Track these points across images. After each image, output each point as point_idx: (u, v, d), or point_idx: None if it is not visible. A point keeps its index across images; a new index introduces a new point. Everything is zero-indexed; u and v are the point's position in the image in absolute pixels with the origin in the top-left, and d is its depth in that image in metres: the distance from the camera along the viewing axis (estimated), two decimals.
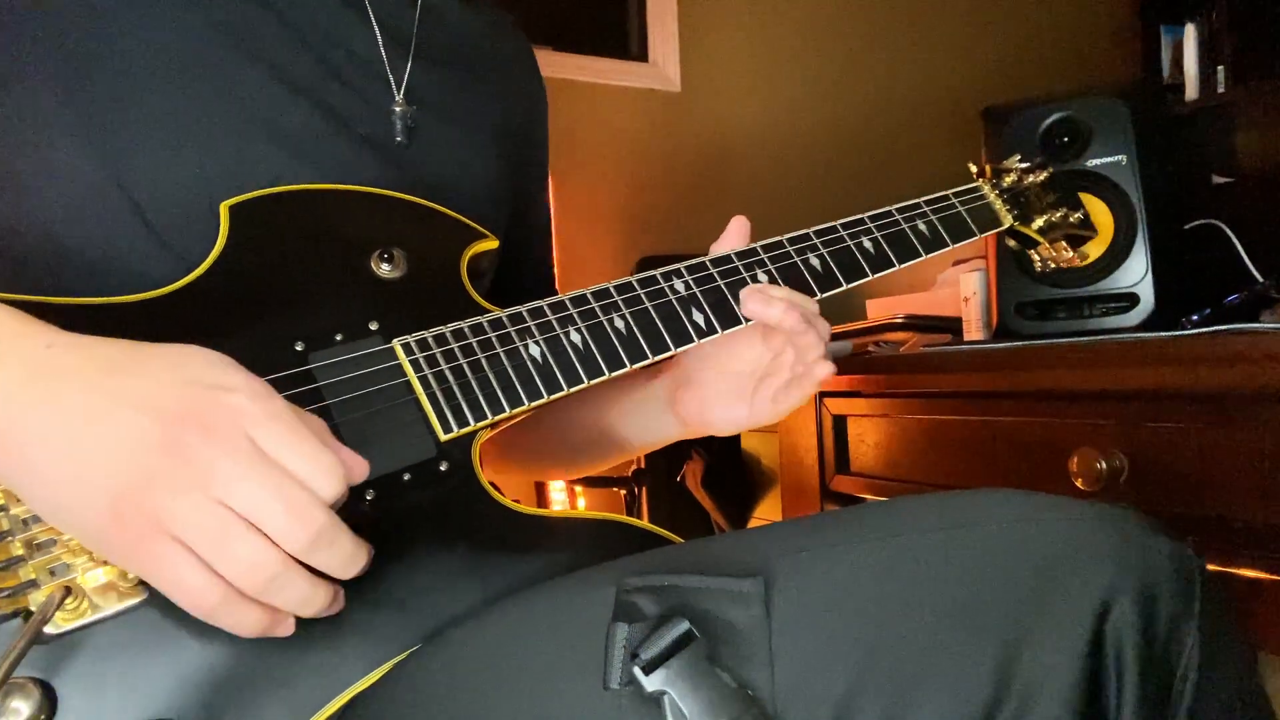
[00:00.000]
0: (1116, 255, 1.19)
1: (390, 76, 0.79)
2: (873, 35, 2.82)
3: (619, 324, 0.71)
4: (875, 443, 1.39)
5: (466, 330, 0.66)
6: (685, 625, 0.50)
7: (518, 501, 0.66)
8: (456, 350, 0.65)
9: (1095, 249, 1.19)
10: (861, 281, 0.82)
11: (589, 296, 0.71)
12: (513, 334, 0.67)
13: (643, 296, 0.72)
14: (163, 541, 0.46)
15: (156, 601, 0.52)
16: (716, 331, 0.74)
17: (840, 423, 1.45)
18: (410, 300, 0.68)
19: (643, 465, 2.02)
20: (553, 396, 0.67)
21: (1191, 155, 1.40)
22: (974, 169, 1.00)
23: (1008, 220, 0.95)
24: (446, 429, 0.63)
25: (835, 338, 1.58)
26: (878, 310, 1.70)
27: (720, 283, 0.75)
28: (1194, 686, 0.52)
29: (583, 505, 2.04)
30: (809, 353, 0.75)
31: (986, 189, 0.95)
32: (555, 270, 1.06)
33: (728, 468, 1.97)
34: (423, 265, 0.70)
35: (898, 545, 0.55)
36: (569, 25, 2.44)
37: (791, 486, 1.55)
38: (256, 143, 0.70)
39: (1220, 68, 2.41)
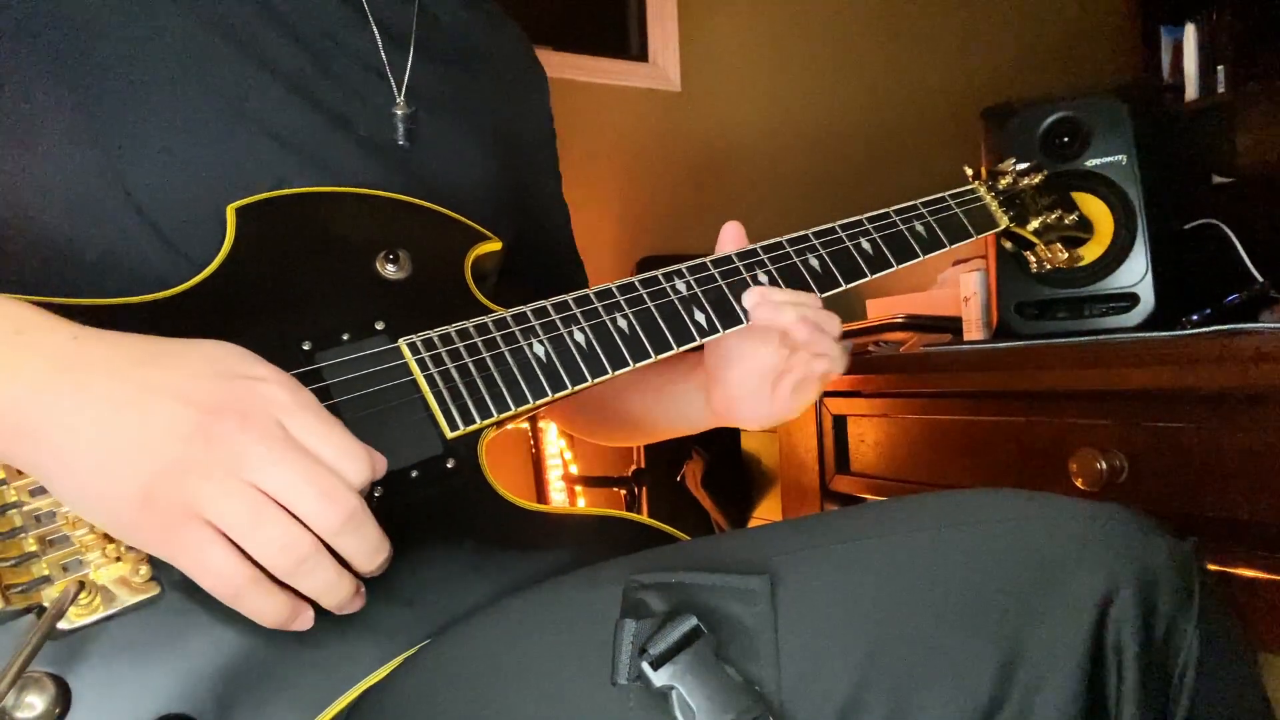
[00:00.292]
0: (1116, 255, 1.19)
1: (391, 77, 0.79)
2: (873, 35, 2.82)
3: (622, 323, 0.71)
4: (875, 443, 1.39)
5: (471, 329, 0.67)
6: (693, 621, 0.50)
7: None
8: (462, 349, 0.66)
9: (1095, 249, 1.19)
10: (860, 282, 0.83)
11: (592, 296, 0.71)
12: (517, 333, 0.68)
13: (645, 296, 0.73)
14: (193, 525, 0.47)
15: (170, 597, 0.53)
16: (718, 331, 0.74)
17: (840, 423, 1.45)
18: (415, 300, 0.68)
19: (643, 465, 2.03)
20: (557, 395, 0.67)
21: (1191, 155, 1.40)
22: (969, 171, 1.00)
23: (1003, 221, 0.96)
24: (453, 427, 0.63)
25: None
26: (878, 310, 1.70)
27: (721, 283, 0.76)
28: (1193, 683, 0.53)
29: (582, 504, 2.04)
30: (818, 348, 0.77)
31: (982, 191, 0.96)
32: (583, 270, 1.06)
33: (728, 468, 1.97)
34: (427, 266, 0.71)
35: (901, 544, 0.55)
36: (569, 25, 2.44)
37: (791, 486, 1.55)
38: (259, 145, 0.70)
39: (1220, 68, 2.41)
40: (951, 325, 1.47)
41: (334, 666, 0.56)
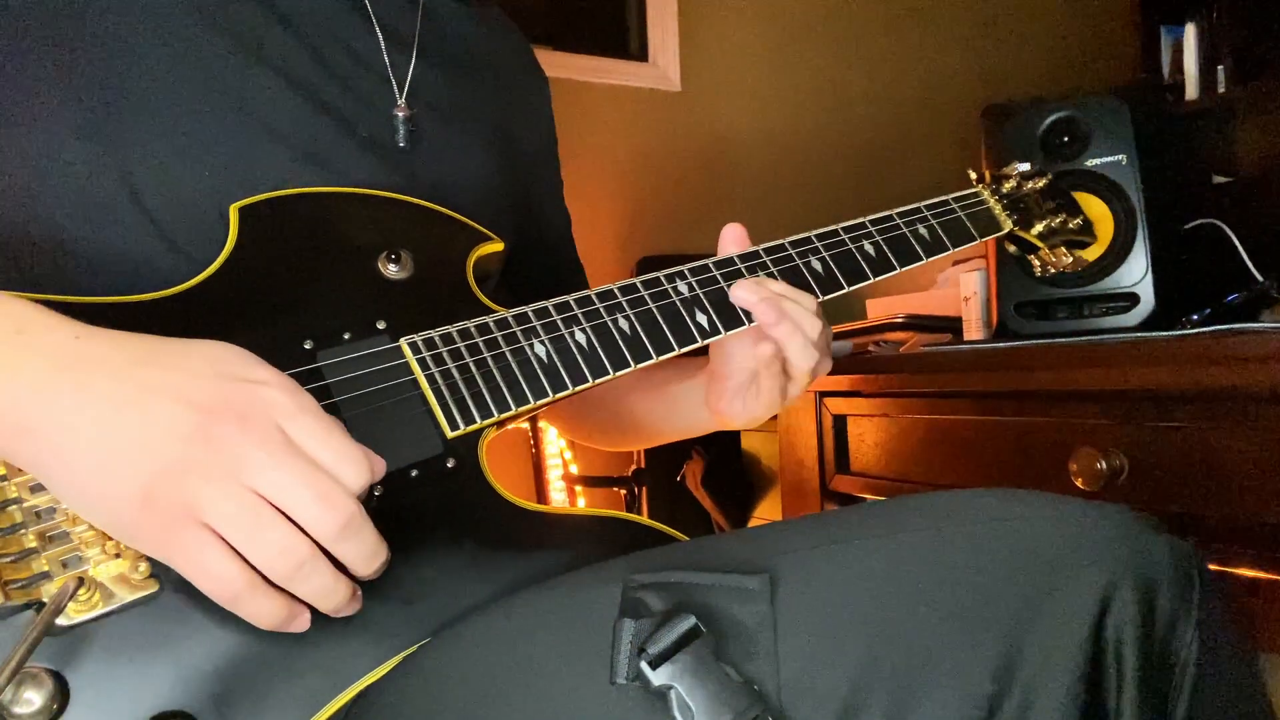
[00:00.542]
0: (1116, 255, 1.19)
1: (393, 79, 0.79)
2: (872, 35, 2.82)
3: (623, 324, 0.71)
4: (875, 443, 1.39)
5: (473, 330, 0.67)
6: (692, 621, 0.50)
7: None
8: (463, 349, 0.66)
9: (1095, 249, 1.19)
10: (863, 284, 0.82)
11: (593, 297, 0.71)
12: (518, 334, 0.68)
13: (647, 298, 0.73)
14: (192, 527, 0.47)
15: (168, 594, 0.53)
16: (720, 333, 0.74)
17: (840, 423, 1.45)
18: (417, 300, 0.69)
19: (643, 465, 2.03)
20: (558, 395, 0.67)
21: (1191, 155, 1.40)
22: (973, 175, 1.00)
23: (1007, 225, 0.96)
24: (454, 426, 0.63)
25: (835, 338, 1.58)
26: (878, 310, 1.70)
27: (723, 285, 0.76)
28: (1193, 681, 0.53)
29: (582, 504, 2.04)
30: (787, 343, 0.74)
31: (986, 194, 0.96)
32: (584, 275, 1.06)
33: (728, 468, 1.97)
34: (429, 266, 0.71)
35: (901, 543, 0.55)
36: (569, 25, 2.44)
37: (791, 486, 1.55)
38: (261, 145, 0.70)
39: (1220, 68, 2.41)
40: (951, 325, 1.47)
41: (332, 665, 0.56)
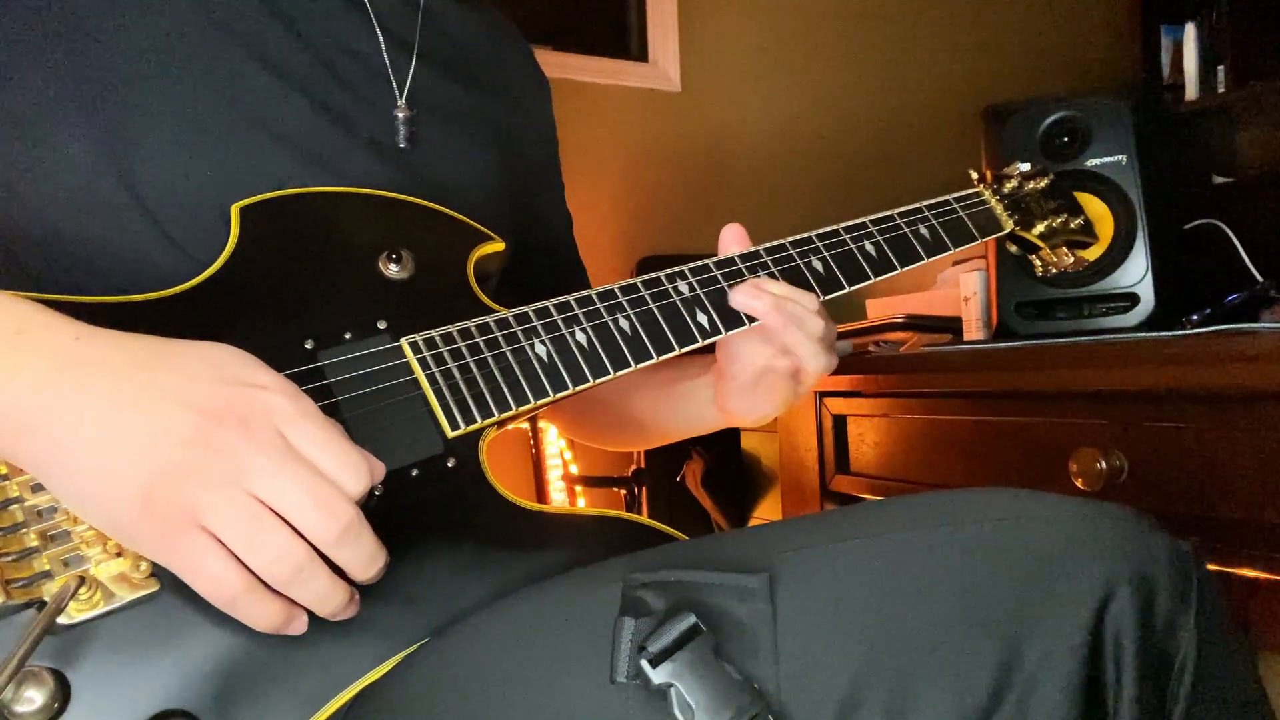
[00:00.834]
0: (1116, 255, 1.19)
1: (393, 79, 0.80)
2: (873, 34, 2.82)
3: (624, 324, 0.71)
4: (875, 443, 1.39)
5: (473, 329, 0.67)
6: (692, 619, 0.50)
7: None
8: (464, 349, 0.66)
9: (1095, 249, 1.19)
10: (864, 284, 0.82)
11: (594, 297, 0.71)
12: (519, 333, 0.68)
13: (647, 298, 0.73)
14: (191, 531, 0.47)
15: (169, 593, 0.53)
16: (720, 333, 0.74)
17: (840, 423, 1.46)
18: (418, 300, 0.69)
19: (643, 465, 2.03)
20: (558, 395, 0.67)
21: (1191, 155, 1.40)
22: (974, 175, 1.00)
23: (1009, 225, 0.96)
24: (454, 426, 0.63)
25: (836, 337, 1.58)
26: (878, 310, 1.70)
27: (724, 285, 0.76)
28: (1191, 680, 0.53)
29: (582, 505, 2.04)
30: (797, 349, 0.75)
31: (987, 194, 0.96)
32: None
33: (727, 468, 1.97)
34: (430, 266, 0.71)
35: (900, 542, 0.55)
36: (569, 25, 2.44)
37: (791, 486, 1.55)
38: (262, 145, 0.70)
39: (1220, 68, 2.41)
40: (951, 325, 1.47)
41: (333, 664, 0.56)
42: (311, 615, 0.52)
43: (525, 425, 1.93)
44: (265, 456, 0.48)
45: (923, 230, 0.87)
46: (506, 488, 0.66)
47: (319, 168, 0.72)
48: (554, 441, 1.98)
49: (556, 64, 2.32)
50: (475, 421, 0.64)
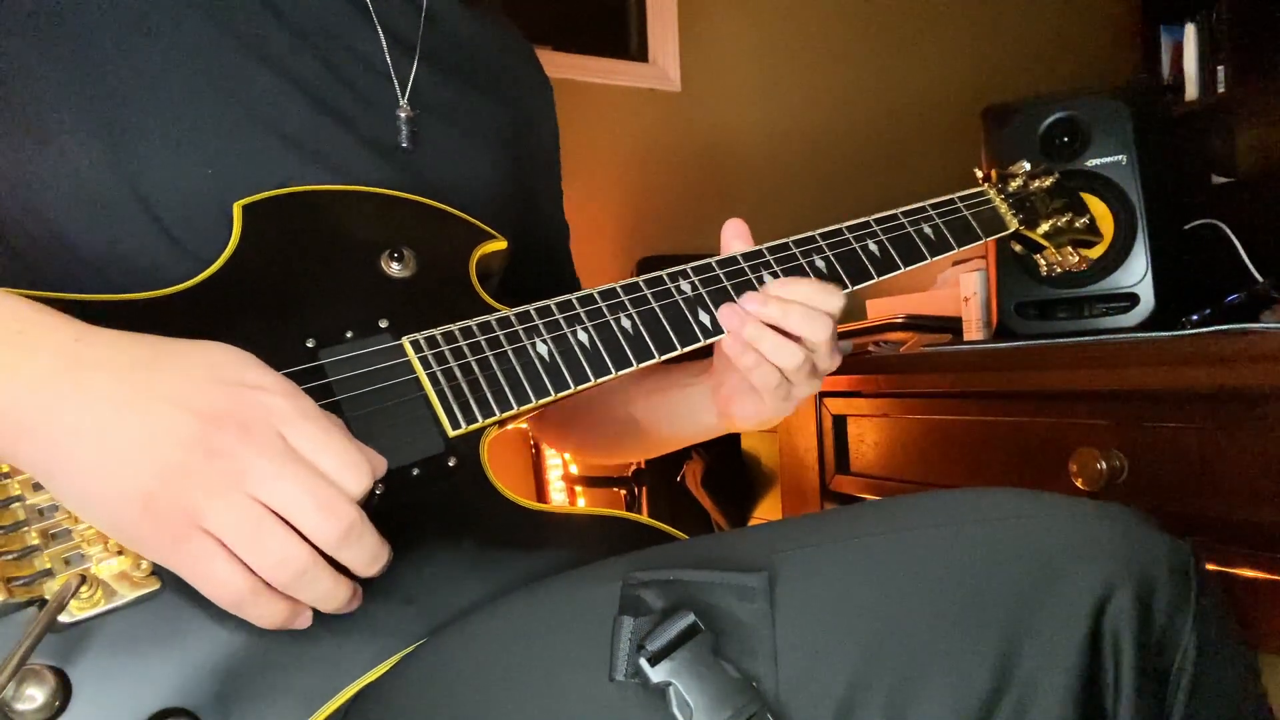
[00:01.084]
0: (1116, 255, 1.19)
1: (395, 79, 0.79)
2: (873, 34, 2.82)
3: (625, 324, 0.71)
4: (875, 443, 1.39)
5: (475, 328, 0.67)
6: (690, 618, 0.50)
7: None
8: (465, 348, 0.66)
9: (1095, 249, 1.19)
10: (867, 284, 0.82)
11: (596, 296, 0.71)
12: (520, 333, 0.68)
13: (649, 297, 0.73)
14: (194, 535, 0.47)
15: (170, 592, 0.53)
16: (722, 332, 0.74)
17: (840, 423, 1.46)
18: (420, 299, 0.69)
19: (643, 465, 2.03)
20: (559, 395, 0.67)
21: (1191, 155, 1.41)
22: (979, 174, 1.00)
23: (1013, 225, 0.95)
24: (455, 425, 0.63)
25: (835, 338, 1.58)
26: (878, 310, 1.70)
27: (726, 284, 0.76)
28: (1191, 679, 0.53)
29: (583, 505, 2.04)
30: (812, 356, 0.74)
31: (992, 194, 0.96)
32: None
33: (727, 468, 1.97)
34: (432, 265, 0.71)
35: (900, 541, 0.55)
36: (569, 25, 2.44)
37: (791, 486, 1.55)
38: (264, 144, 0.70)
39: (1220, 68, 2.41)
40: (951, 325, 1.47)
41: (333, 663, 0.56)
42: (315, 612, 0.53)
43: (525, 425, 1.93)
44: (265, 459, 0.48)
45: (926, 229, 0.87)
46: (507, 487, 0.66)
47: (321, 167, 0.72)
48: None
49: (556, 64, 2.32)
50: (476, 421, 0.64)
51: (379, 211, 0.72)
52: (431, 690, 0.56)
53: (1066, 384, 1.07)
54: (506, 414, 0.65)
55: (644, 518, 0.70)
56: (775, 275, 0.78)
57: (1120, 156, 1.20)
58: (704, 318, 0.74)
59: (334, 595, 0.51)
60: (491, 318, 0.68)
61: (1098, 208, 1.19)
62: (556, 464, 1.98)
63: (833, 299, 0.74)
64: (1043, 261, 1.03)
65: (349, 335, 0.65)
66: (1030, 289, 1.25)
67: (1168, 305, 1.17)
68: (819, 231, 0.82)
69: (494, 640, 0.56)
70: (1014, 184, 0.98)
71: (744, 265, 0.77)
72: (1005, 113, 1.27)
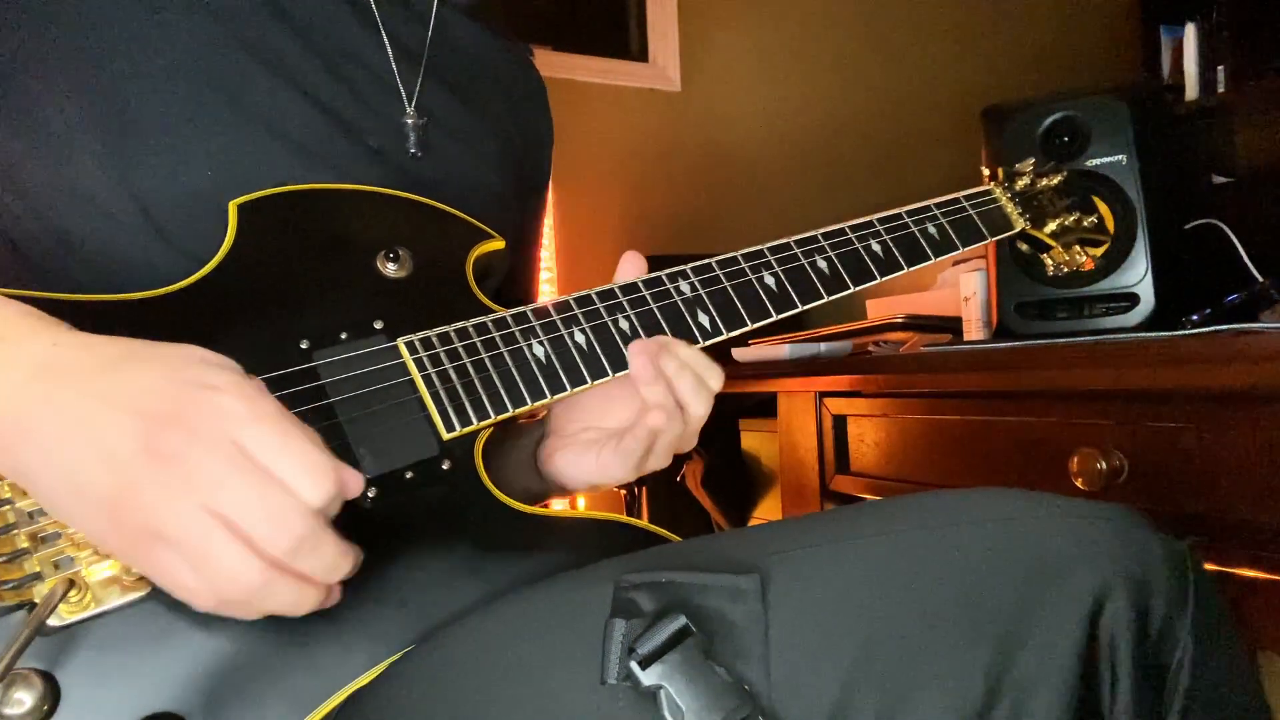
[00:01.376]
0: (1116, 255, 1.19)
1: (400, 88, 0.79)
2: (873, 35, 2.82)
3: (624, 324, 0.71)
4: (875, 443, 1.39)
5: (470, 329, 0.66)
6: (682, 621, 0.50)
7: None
8: (460, 349, 0.65)
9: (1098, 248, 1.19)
10: (870, 284, 0.81)
11: (594, 297, 0.71)
12: (517, 333, 0.67)
13: (648, 298, 0.72)
14: (157, 544, 0.46)
15: (159, 596, 0.53)
16: (721, 333, 0.74)
17: (840, 423, 1.45)
18: (415, 300, 0.68)
19: None
20: (556, 396, 0.67)
21: (1191, 155, 1.40)
22: (986, 172, 0.98)
23: (1020, 224, 0.94)
24: (449, 428, 0.63)
25: (835, 338, 1.58)
26: (878, 310, 1.70)
27: (726, 285, 0.75)
28: (1188, 683, 0.53)
29: (582, 505, 2.04)
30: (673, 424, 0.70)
31: (998, 192, 0.94)
32: (538, 295, 1.02)
33: (728, 468, 1.97)
34: (428, 265, 0.70)
35: (894, 543, 0.55)
36: (569, 25, 2.44)
37: (791, 486, 1.55)
38: (263, 144, 0.70)
39: (1220, 68, 2.41)
40: (951, 325, 1.47)
41: (324, 667, 0.55)
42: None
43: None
44: (213, 465, 0.46)
45: (931, 229, 0.86)
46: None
47: (323, 170, 0.72)
48: None
49: (557, 64, 2.32)
50: (471, 423, 0.64)
51: (375, 211, 0.71)
52: (423, 694, 0.55)
53: (1066, 384, 1.06)
54: (502, 416, 0.65)
55: (640, 521, 0.70)
56: (776, 276, 0.77)
57: (1120, 156, 1.19)
58: (703, 319, 0.73)
59: (299, 604, 0.49)
60: (488, 319, 0.67)
61: (1098, 208, 1.19)
62: None
63: (717, 376, 0.71)
64: (1049, 261, 1.02)
65: (343, 336, 0.64)
66: (1030, 289, 1.25)
67: (1168, 305, 1.17)
68: (821, 231, 0.81)
69: (485, 643, 0.56)
70: (1021, 182, 0.97)
71: (744, 266, 0.76)
72: (1005, 113, 1.27)
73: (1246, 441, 0.91)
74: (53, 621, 0.50)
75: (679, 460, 1.97)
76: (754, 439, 1.95)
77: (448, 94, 0.83)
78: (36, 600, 0.51)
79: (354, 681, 0.56)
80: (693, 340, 0.72)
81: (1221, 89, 2.39)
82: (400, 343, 0.65)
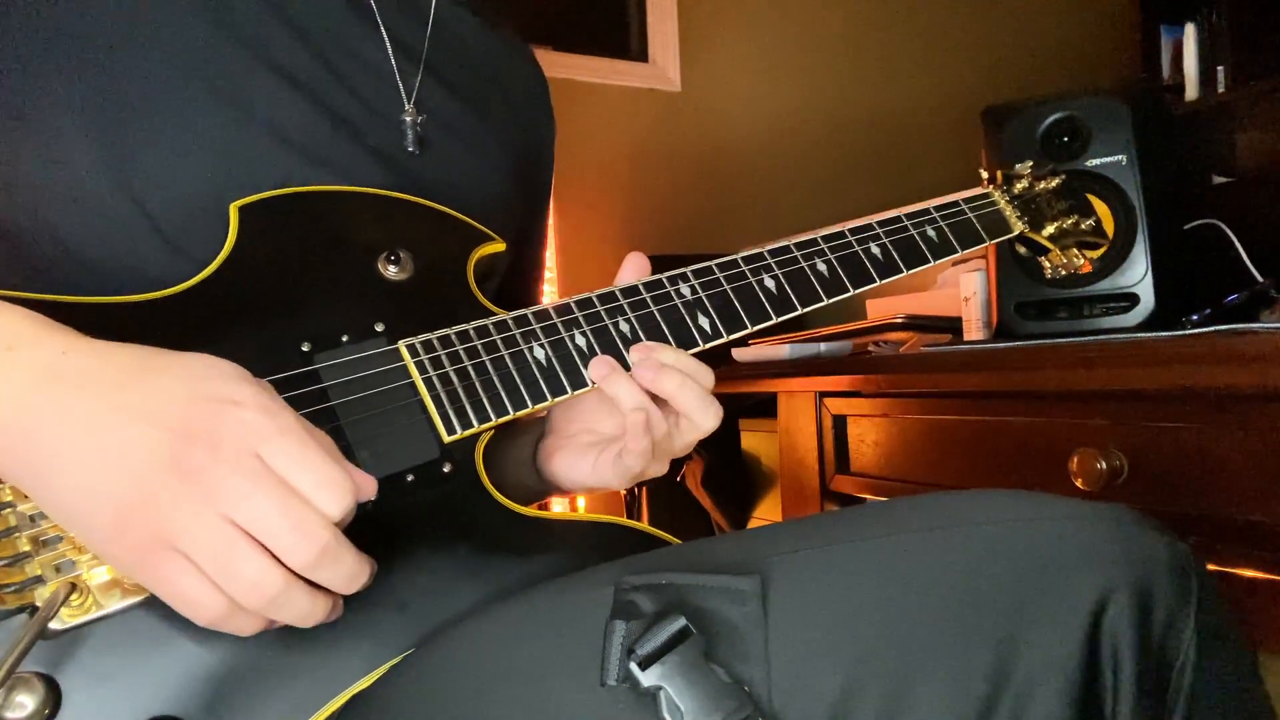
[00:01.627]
0: (1116, 255, 1.19)
1: (400, 86, 0.79)
2: (873, 35, 2.82)
3: (624, 327, 0.71)
4: (875, 443, 1.39)
5: (472, 332, 0.66)
6: (682, 622, 0.50)
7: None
8: (461, 352, 0.65)
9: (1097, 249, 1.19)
10: (870, 287, 0.81)
11: (594, 300, 0.71)
12: (517, 336, 0.67)
13: (648, 300, 0.72)
14: (167, 555, 0.47)
15: (160, 600, 0.53)
16: (722, 336, 0.74)
17: (840, 423, 1.45)
18: (416, 302, 0.68)
19: None
20: (556, 400, 0.67)
21: (1191, 155, 1.40)
22: (984, 175, 0.99)
23: (1018, 227, 0.94)
24: (450, 431, 0.63)
25: (835, 338, 1.58)
26: (878, 310, 1.70)
27: (726, 287, 0.75)
28: (1191, 682, 0.53)
29: (582, 505, 2.04)
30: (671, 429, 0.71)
31: (997, 196, 0.94)
32: (540, 297, 1.03)
33: (728, 468, 1.97)
34: (429, 267, 0.70)
35: (895, 544, 0.55)
36: (569, 25, 2.44)
37: (791, 486, 1.55)
38: (264, 145, 0.70)
39: (1220, 68, 2.41)
40: (951, 325, 1.47)
41: (324, 671, 0.55)
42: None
43: None
44: (238, 479, 0.47)
45: (930, 232, 0.86)
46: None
47: (323, 170, 0.72)
48: None
49: (556, 64, 2.32)
50: (472, 426, 0.64)
51: (376, 213, 0.71)
52: (423, 696, 0.55)
53: (1067, 384, 1.06)
54: (503, 419, 0.65)
55: (640, 524, 0.70)
56: (776, 278, 0.77)
57: (1120, 156, 1.19)
58: (703, 322, 0.73)
59: (310, 615, 0.50)
60: (489, 321, 0.67)
61: (1098, 208, 1.19)
62: None
63: (708, 375, 0.71)
64: (1047, 264, 1.02)
65: (345, 339, 0.64)
66: (1030, 289, 1.25)
67: (1168, 305, 1.17)
68: (821, 234, 0.81)
69: (485, 646, 0.56)
70: (1019, 185, 0.97)
71: (744, 269, 0.76)
72: (1005, 113, 1.27)
73: (1246, 441, 0.90)
74: (54, 625, 0.51)
75: (679, 461, 1.98)
76: (754, 439, 1.95)
77: (447, 92, 0.83)
78: (38, 604, 0.51)
79: (354, 685, 0.56)
80: (693, 343, 0.72)
81: (1221, 89, 2.39)
82: (402, 345, 0.65)
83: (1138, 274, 1.18)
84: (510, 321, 0.68)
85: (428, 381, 0.64)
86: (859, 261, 0.81)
